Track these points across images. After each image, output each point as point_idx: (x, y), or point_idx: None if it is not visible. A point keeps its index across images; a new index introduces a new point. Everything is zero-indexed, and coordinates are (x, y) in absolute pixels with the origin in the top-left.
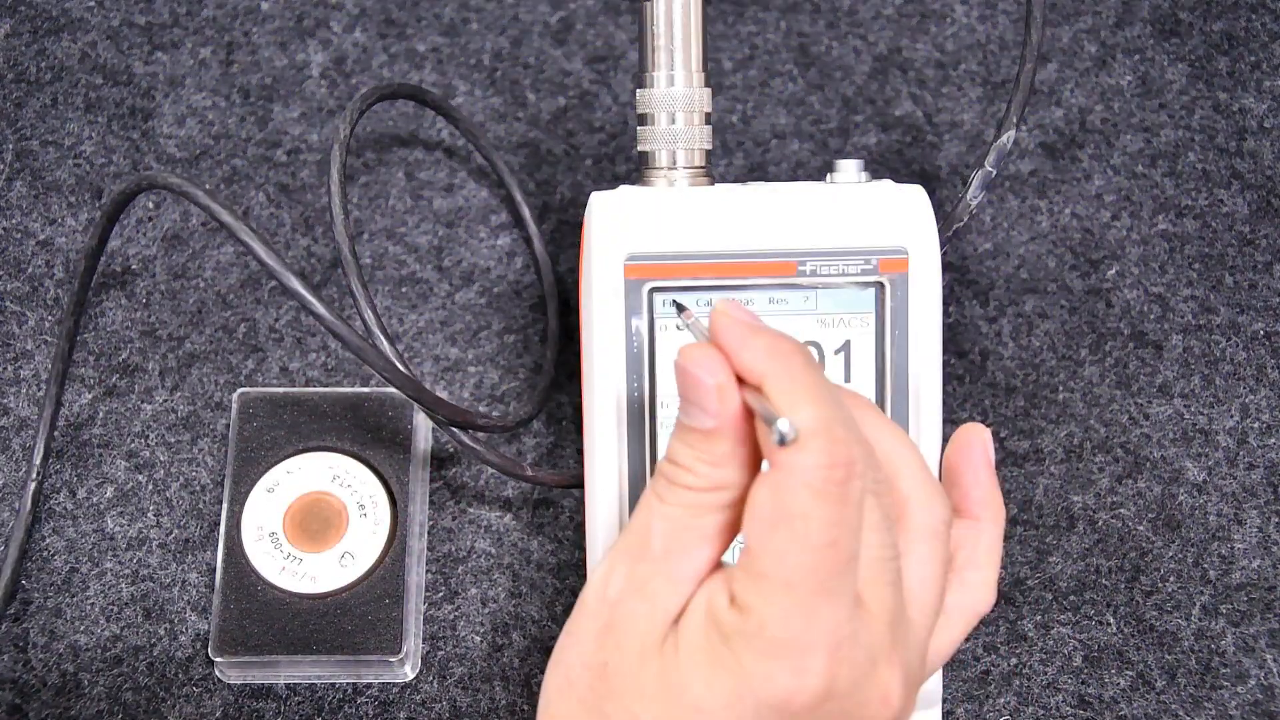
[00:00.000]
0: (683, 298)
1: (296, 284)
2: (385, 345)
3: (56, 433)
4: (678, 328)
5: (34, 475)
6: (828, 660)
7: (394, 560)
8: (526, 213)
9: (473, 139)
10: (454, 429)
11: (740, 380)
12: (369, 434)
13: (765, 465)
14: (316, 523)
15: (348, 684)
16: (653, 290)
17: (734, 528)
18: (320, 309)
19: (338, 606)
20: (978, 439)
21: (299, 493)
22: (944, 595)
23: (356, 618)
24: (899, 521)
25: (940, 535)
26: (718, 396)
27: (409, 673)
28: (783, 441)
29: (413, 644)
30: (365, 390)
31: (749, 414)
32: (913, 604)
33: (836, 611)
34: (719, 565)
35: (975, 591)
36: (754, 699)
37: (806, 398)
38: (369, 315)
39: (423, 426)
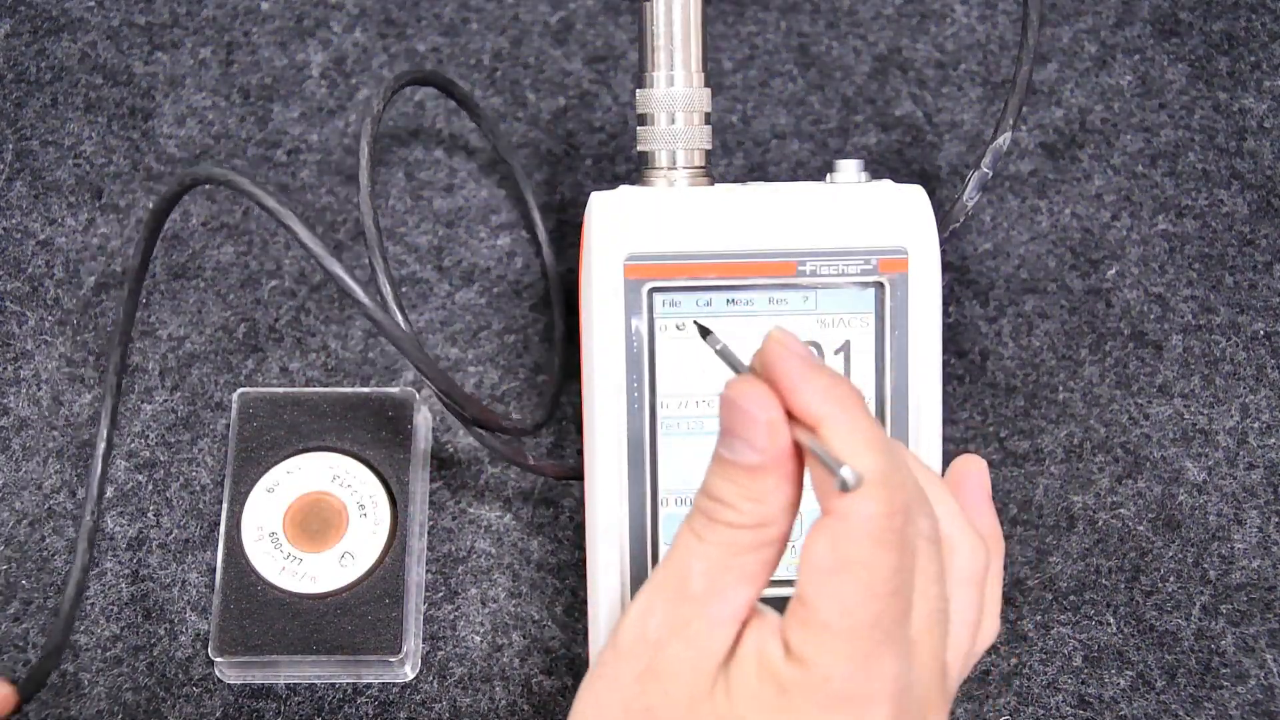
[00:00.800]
0: (681, 297)
1: (340, 271)
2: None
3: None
4: (716, 351)
5: (95, 496)
6: (890, 713)
7: (394, 560)
8: (536, 214)
9: (492, 138)
10: (479, 430)
11: (789, 416)
12: (369, 434)
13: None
14: (316, 523)
15: (348, 684)
16: (653, 290)
17: (772, 566)
18: (360, 295)
19: (338, 606)
20: (974, 470)
21: (299, 493)
22: (974, 637)
23: (356, 618)
24: None
25: (979, 581)
26: (768, 433)
27: (409, 673)
28: (844, 488)
29: (413, 644)
30: (365, 390)
31: (796, 450)
32: (950, 649)
33: (896, 662)
34: (756, 611)
35: (984, 623)
36: None
37: (866, 445)
38: (387, 289)
39: (423, 426)
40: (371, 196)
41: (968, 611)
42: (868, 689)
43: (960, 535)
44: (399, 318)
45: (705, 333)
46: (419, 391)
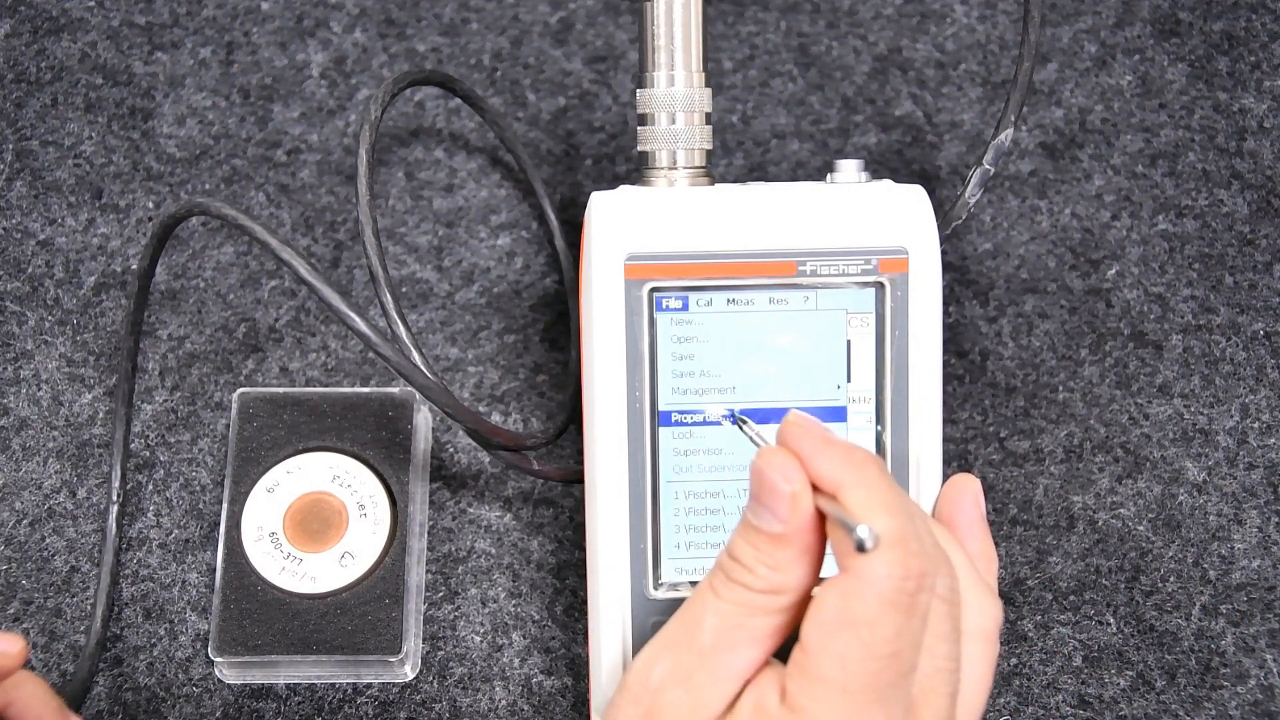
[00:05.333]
0: (681, 297)
1: (362, 325)
2: (419, 359)
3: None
4: (745, 433)
5: (115, 498)
6: None
7: (394, 560)
8: (547, 204)
9: (499, 130)
10: (503, 453)
11: (815, 488)
12: (369, 434)
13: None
14: (316, 523)
15: (348, 684)
16: (653, 290)
17: (785, 631)
18: (385, 350)
19: (337, 606)
20: (969, 490)
21: (299, 493)
22: (988, 693)
23: (356, 618)
24: None
25: (992, 637)
26: (791, 503)
27: (409, 673)
28: (861, 548)
29: (413, 644)
30: (365, 390)
31: (818, 523)
32: (961, 707)
33: None
34: (765, 664)
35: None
36: None
37: (884, 508)
38: (387, 299)
39: (423, 426)
40: (371, 206)
41: (978, 667)
42: None
43: (970, 591)
44: (416, 358)
45: (742, 423)
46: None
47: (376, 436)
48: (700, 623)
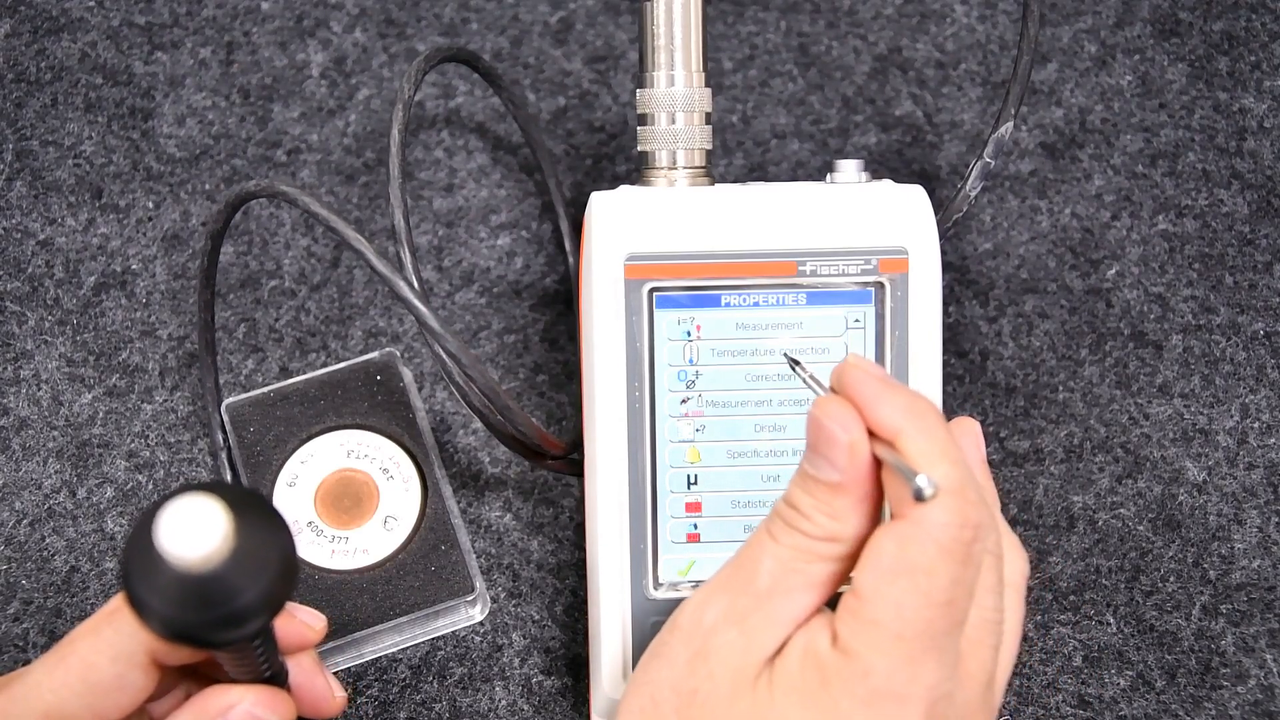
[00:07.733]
0: (681, 297)
1: (429, 316)
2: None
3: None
4: (802, 378)
5: (221, 444)
6: (923, 715)
7: (435, 509)
8: (560, 204)
9: (516, 112)
10: (528, 457)
11: (871, 433)
12: (365, 403)
13: (888, 515)
14: (348, 500)
15: (348, 682)
16: (653, 290)
17: (840, 578)
18: (439, 331)
19: (398, 569)
20: (970, 432)
21: (320, 477)
22: (1019, 646)
23: (422, 572)
24: None
25: (1021, 588)
26: (849, 454)
27: (479, 614)
28: (920, 497)
29: (479, 583)
30: (344, 365)
31: (876, 470)
32: (1000, 660)
33: (938, 669)
34: (817, 610)
35: None
36: None
37: (943, 456)
38: (413, 280)
39: (410, 379)
40: (403, 189)
41: (1013, 618)
42: (905, 689)
43: (1005, 542)
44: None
45: (795, 363)
46: (398, 351)
47: (373, 403)
48: (758, 566)
